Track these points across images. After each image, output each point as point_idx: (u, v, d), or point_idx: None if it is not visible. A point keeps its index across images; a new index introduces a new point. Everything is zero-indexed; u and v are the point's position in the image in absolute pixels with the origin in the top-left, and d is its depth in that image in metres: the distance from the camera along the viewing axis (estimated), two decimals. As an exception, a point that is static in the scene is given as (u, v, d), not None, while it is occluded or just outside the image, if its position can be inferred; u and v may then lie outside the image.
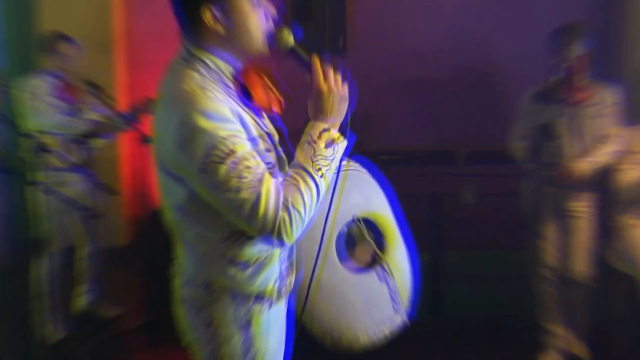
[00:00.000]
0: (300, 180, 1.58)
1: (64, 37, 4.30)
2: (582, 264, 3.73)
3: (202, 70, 1.62)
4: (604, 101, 3.65)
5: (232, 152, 1.49)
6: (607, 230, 3.85)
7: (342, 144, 1.68)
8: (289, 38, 1.68)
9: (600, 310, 4.03)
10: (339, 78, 1.66)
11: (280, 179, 1.59)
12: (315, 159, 1.61)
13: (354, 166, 2.16)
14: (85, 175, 3.92)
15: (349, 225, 2.14)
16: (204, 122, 1.49)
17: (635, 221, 3.66)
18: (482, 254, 4.67)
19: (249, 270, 1.71)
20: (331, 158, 1.64)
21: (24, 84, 4.20)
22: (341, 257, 2.11)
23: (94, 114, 4.31)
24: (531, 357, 3.74)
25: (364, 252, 2.19)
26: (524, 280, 3.72)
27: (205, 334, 1.75)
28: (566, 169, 3.56)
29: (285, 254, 1.82)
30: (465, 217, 4.50)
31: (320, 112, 1.65)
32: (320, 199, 1.63)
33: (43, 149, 3.27)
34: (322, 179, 1.62)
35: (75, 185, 4.20)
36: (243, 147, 1.52)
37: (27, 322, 4.02)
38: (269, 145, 1.68)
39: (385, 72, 5.34)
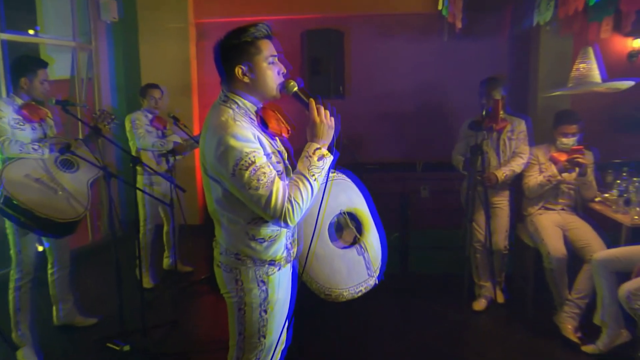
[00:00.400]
0: (300, 182, 1.63)
1: (154, 86, 4.29)
2: (501, 239, 3.69)
3: (234, 107, 1.70)
4: (517, 129, 3.61)
5: (253, 162, 1.57)
6: (519, 216, 3.79)
7: (329, 158, 1.69)
8: (294, 86, 1.73)
9: (513, 270, 3.99)
10: (328, 113, 1.69)
11: (287, 182, 1.65)
12: (310, 168, 1.65)
13: (340, 176, 2.15)
14: (168, 178, 3.92)
15: (337, 216, 2.11)
16: (233, 142, 1.57)
17: (537, 210, 3.60)
18: (434, 232, 4.63)
19: (265, 244, 1.75)
20: (321, 167, 1.67)
21: (130, 117, 4.20)
22: (332, 238, 2.09)
23: (176, 137, 4.29)
24: (467, 303, 3.69)
25: (348, 235, 2.17)
26: (462, 250, 3.63)
27: (235, 287, 1.78)
28: (490, 175, 3.53)
29: (289, 233, 1.83)
30: (423, 207, 4.47)
31: (314, 136, 1.68)
32: (314, 195, 1.66)
33: (139, 161, 3.26)
34: (315, 182, 1.65)
35: (161, 185, 4.21)
36: (261, 159, 1.59)
37: (132, 275, 4.04)
38: (279, 159, 1.73)
39: (371, 108, 5.34)
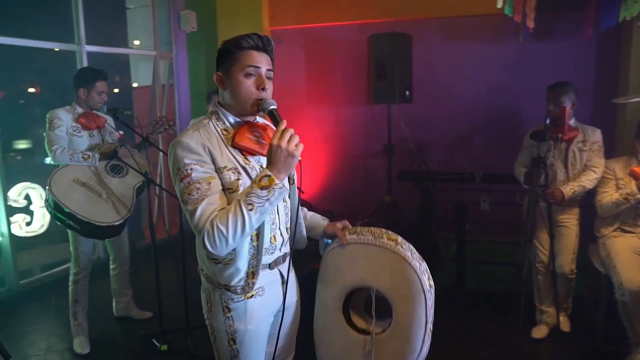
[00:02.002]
0: (232, 208, 1.42)
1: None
2: (567, 262, 3.17)
3: (213, 118, 1.58)
4: (590, 139, 3.07)
5: (188, 175, 1.45)
6: (591, 236, 3.23)
7: (277, 190, 1.43)
8: (269, 105, 1.51)
9: (582, 295, 3.46)
10: (294, 141, 1.41)
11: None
12: (249, 196, 1.42)
13: (391, 240, 1.72)
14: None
15: (366, 289, 1.77)
16: (177, 151, 1.47)
17: (612, 232, 3.04)
18: (493, 246, 4.17)
19: (219, 266, 1.57)
20: (264, 198, 1.42)
21: (192, 123, 4.23)
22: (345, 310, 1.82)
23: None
24: (525, 328, 3.22)
25: (365, 319, 1.84)
26: (522, 268, 3.19)
27: (206, 309, 1.66)
28: (554, 191, 3.03)
29: (249, 262, 1.57)
30: (482, 220, 4.01)
31: (269, 162, 1.44)
32: (247, 226, 1.42)
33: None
34: (250, 212, 1.41)
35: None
36: (198, 173, 1.46)
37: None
38: (240, 176, 1.52)
39: (436, 114, 4.95)
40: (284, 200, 1.68)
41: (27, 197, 4.02)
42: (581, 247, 3.22)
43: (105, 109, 3.16)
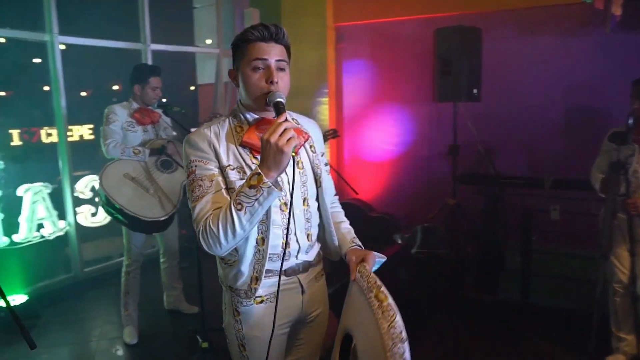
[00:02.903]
0: (224, 208, 1.35)
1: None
2: (650, 283, 2.75)
3: (231, 117, 1.53)
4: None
5: (193, 171, 1.43)
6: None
7: (265, 190, 1.30)
8: (275, 97, 1.39)
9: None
10: (286, 137, 1.27)
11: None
12: (238, 195, 1.33)
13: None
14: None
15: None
16: (185, 148, 1.47)
17: None
18: (563, 260, 3.72)
19: (225, 267, 1.54)
20: (253, 198, 1.30)
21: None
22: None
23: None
24: (598, 355, 2.85)
25: None
26: (596, 286, 2.81)
27: (223, 310, 1.63)
28: (637, 202, 2.63)
29: (248, 267, 1.48)
30: (551, 230, 3.62)
31: (261, 159, 1.32)
32: (238, 228, 1.32)
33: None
34: (240, 212, 1.32)
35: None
36: (201, 170, 1.42)
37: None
38: (245, 175, 1.43)
39: (507, 114, 4.57)
40: (305, 204, 1.56)
41: (93, 189, 4.20)
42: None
43: (156, 105, 3.20)
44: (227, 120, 1.51)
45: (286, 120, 1.31)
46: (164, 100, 3.29)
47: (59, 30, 3.88)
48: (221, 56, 5.30)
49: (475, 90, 4.38)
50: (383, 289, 1.31)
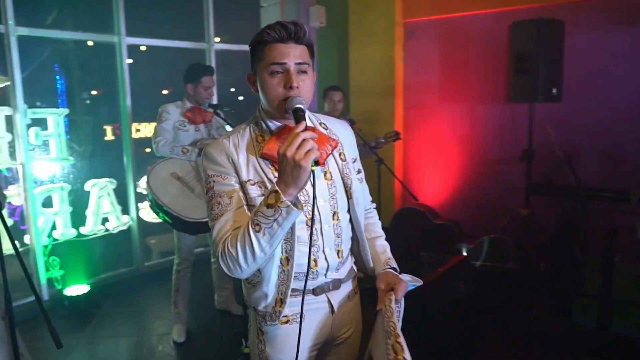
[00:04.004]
0: (242, 228, 1.24)
1: (334, 88, 4.05)
2: None
3: (252, 124, 1.41)
4: None
5: (211, 187, 1.33)
6: None
7: (284, 209, 1.16)
8: (294, 104, 1.26)
9: None
10: (304, 149, 1.13)
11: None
12: (255, 215, 1.21)
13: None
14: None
15: None
16: (203, 160, 1.37)
17: None
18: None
19: (249, 286, 1.42)
20: (271, 218, 1.18)
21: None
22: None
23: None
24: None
25: None
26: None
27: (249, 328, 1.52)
28: None
29: (273, 289, 1.36)
30: (637, 250, 3.14)
31: (278, 175, 1.19)
32: (258, 251, 1.21)
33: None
34: (258, 234, 1.20)
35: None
36: (219, 186, 1.32)
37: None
38: (266, 190, 1.29)
39: (590, 117, 4.07)
40: (335, 218, 1.41)
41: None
42: None
43: (207, 105, 3.17)
44: (247, 129, 1.39)
45: (306, 129, 1.17)
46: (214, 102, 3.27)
47: (126, 31, 4.01)
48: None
49: (554, 90, 3.95)
50: (401, 339, 1.18)
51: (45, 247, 3.72)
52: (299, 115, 1.23)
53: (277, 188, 1.17)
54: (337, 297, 1.47)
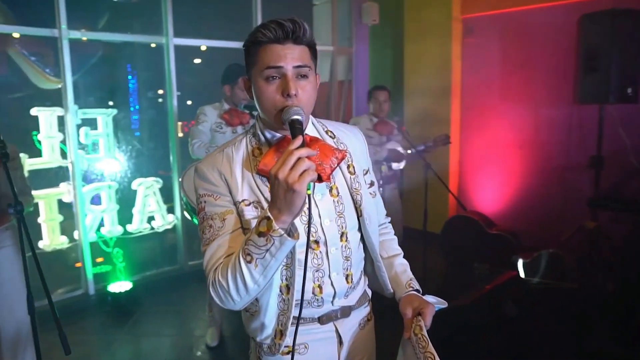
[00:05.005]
0: (234, 257, 1.10)
1: (380, 87, 3.84)
2: None
3: (250, 134, 1.25)
4: None
5: (202, 209, 1.19)
6: None
7: (279, 239, 1.01)
8: (290, 115, 1.09)
9: None
10: (298, 168, 0.98)
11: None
12: (246, 244, 1.06)
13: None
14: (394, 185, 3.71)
15: None
16: (195, 178, 1.22)
17: None
18: None
19: (247, 315, 1.27)
20: (263, 248, 1.04)
21: (351, 122, 3.92)
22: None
23: (394, 144, 3.76)
24: None
25: None
26: None
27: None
28: None
29: (272, 320, 1.21)
30: None
31: (271, 198, 1.05)
32: (249, 282, 1.07)
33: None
34: (249, 265, 1.06)
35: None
36: (211, 207, 1.17)
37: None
38: (261, 210, 1.16)
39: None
40: (344, 239, 1.25)
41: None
42: None
43: (242, 106, 3.09)
44: (244, 140, 1.24)
45: (303, 144, 1.01)
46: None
47: (174, 32, 4.02)
48: (335, 54, 5.07)
49: (629, 90, 3.53)
50: None
51: (110, 239, 3.85)
52: (295, 129, 1.07)
53: (269, 214, 1.02)
54: (347, 325, 1.31)
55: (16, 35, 3.56)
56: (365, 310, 1.38)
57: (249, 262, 1.05)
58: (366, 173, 1.34)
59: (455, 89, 5.10)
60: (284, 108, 1.11)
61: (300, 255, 1.18)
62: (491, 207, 4.79)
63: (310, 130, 1.26)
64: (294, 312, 1.20)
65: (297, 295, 1.20)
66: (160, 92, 5.23)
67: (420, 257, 3.66)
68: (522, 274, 3.70)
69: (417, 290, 1.33)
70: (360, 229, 1.30)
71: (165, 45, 4.00)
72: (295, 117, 1.09)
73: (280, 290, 1.19)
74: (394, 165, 3.73)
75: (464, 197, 5.00)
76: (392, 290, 1.37)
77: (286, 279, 1.19)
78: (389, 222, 1.52)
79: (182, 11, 4.04)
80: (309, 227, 1.05)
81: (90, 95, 4.80)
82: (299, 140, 1.02)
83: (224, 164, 1.19)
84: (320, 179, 1.16)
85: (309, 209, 1.04)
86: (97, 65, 4.49)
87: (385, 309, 1.72)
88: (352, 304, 1.31)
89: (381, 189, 3.61)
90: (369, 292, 1.41)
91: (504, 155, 4.76)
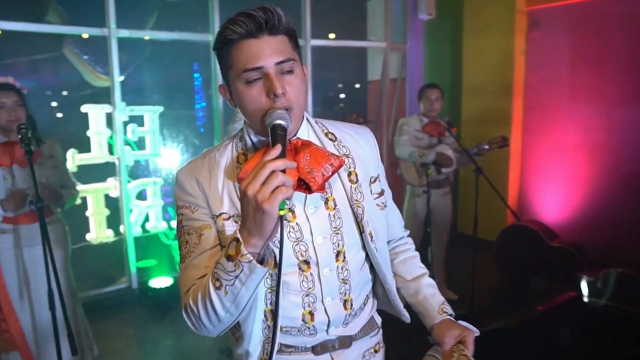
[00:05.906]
0: (205, 280, 0.96)
1: (432, 85, 3.59)
2: None
3: (237, 139, 1.10)
4: None
5: (180, 222, 1.07)
6: None
7: (248, 265, 0.88)
8: (273, 119, 0.94)
9: None
10: (270, 184, 0.83)
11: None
12: (216, 267, 0.93)
13: None
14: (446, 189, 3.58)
15: None
16: (175, 186, 1.09)
17: None
18: None
19: (233, 339, 1.12)
20: (233, 275, 0.90)
21: (400, 122, 3.68)
22: None
23: (444, 147, 3.48)
24: None
25: None
26: None
27: None
28: None
29: (257, 348, 1.06)
30: None
31: (242, 217, 0.90)
32: (218, 310, 0.94)
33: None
34: (219, 291, 0.92)
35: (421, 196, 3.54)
36: (188, 221, 1.05)
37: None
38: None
39: None
40: (340, 260, 1.08)
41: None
42: None
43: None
44: (229, 145, 1.09)
45: (282, 155, 0.86)
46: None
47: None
48: (388, 50, 4.82)
49: None
50: None
51: (170, 230, 3.93)
52: (277, 135, 0.91)
53: (238, 236, 0.88)
54: (347, 358, 1.13)
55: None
56: (371, 340, 1.19)
57: (218, 288, 0.92)
58: (374, 181, 1.15)
59: (518, 87, 4.70)
60: (270, 109, 0.96)
61: (288, 277, 1.04)
62: (554, 217, 4.36)
63: (304, 132, 1.08)
64: (282, 338, 1.07)
65: (284, 322, 1.05)
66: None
67: (470, 266, 3.36)
68: (585, 295, 3.31)
69: (451, 316, 1.17)
70: (364, 247, 1.12)
71: (212, 43, 3.96)
72: (278, 122, 0.93)
73: (265, 316, 1.05)
74: (444, 170, 3.46)
75: (525, 204, 4.60)
76: (408, 316, 1.21)
77: (271, 303, 1.04)
78: (408, 236, 1.32)
79: (229, 8, 3.99)
80: (280, 254, 0.88)
81: (154, 93, 4.88)
82: (276, 150, 0.86)
83: (204, 172, 1.06)
84: (308, 190, 0.99)
85: (281, 233, 0.87)
86: (154, 62, 4.55)
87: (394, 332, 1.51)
88: (353, 333, 1.13)
89: (425, 194, 3.36)
90: (378, 320, 1.22)
91: (570, 160, 4.31)
